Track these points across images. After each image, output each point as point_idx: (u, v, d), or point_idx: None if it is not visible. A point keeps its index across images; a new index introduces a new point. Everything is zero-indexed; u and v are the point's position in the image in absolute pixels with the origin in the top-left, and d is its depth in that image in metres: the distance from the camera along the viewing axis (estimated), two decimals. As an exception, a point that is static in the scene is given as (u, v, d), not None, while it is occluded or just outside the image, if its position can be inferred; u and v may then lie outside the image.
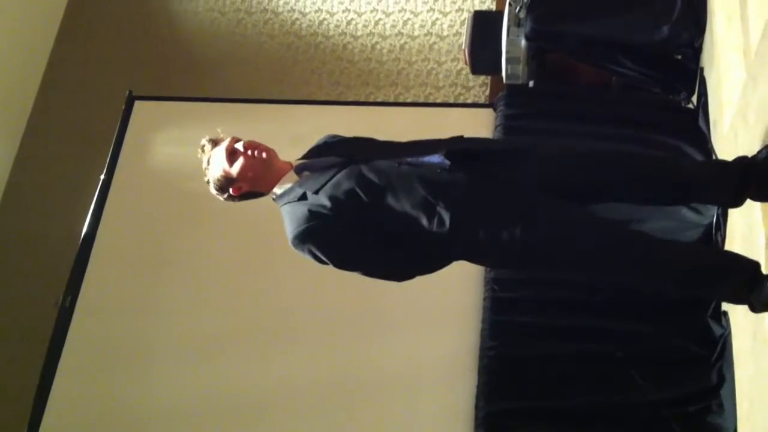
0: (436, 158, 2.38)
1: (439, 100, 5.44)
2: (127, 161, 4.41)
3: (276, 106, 4.81)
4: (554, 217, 2.30)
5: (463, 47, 4.92)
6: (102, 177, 4.33)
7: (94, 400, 3.84)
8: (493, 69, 4.69)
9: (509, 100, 4.20)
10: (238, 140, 2.50)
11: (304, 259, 2.39)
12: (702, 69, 3.98)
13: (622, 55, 4.06)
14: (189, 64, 5.91)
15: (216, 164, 2.50)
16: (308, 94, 5.59)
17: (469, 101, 5.39)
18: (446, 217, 2.25)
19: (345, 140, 2.58)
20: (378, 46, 5.71)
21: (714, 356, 3.35)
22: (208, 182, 2.55)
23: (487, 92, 5.36)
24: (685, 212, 3.61)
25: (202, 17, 6.06)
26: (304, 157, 2.56)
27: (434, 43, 5.64)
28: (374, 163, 2.38)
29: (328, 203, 2.32)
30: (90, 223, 4.21)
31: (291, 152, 4.36)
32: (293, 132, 4.39)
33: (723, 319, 3.40)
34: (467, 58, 4.79)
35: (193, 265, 4.08)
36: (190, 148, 4.46)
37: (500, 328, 3.65)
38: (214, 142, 2.54)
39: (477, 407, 3.55)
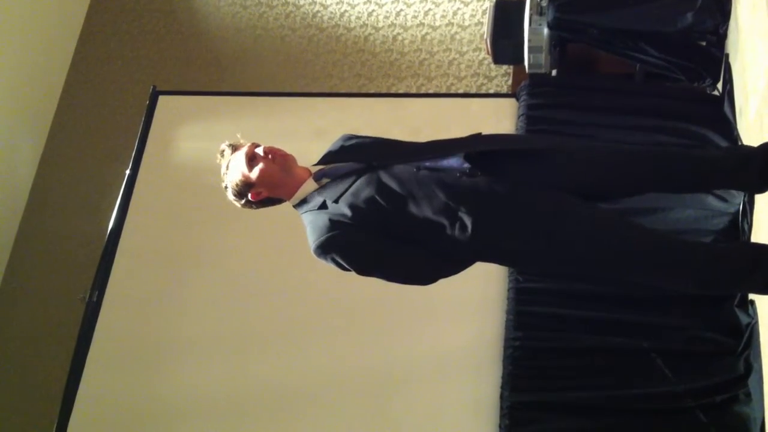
0: (454, 161, 2.37)
1: (461, 91, 5.42)
2: (151, 156, 4.44)
3: (298, 99, 4.82)
4: (574, 221, 2.29)
5: (484, 37, 4.90)
6: (127, 172, 4.37)
7: (121, 394, 3.88)
8: (516, 58, 4.66)
9: (532, 90, 4.18)
10: (258, 145, 2.47)
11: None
12: (727, 56, 3.94)
13: (646, 43, 4.02)
14: (212, 59, 5.94)
15: (235, 168, 2.47)
16: (330, 87, 5.60)
17: (492, 91, 5.36)
18: (468, 222, 2.24)
19: (362, 144, 2.54)
20: (399, 37, 5.70)
21: (741, 345, 3.33)
22: (225, 187, 2.52)
23: (510, 82, 5.33)
24: (711, 200, 3.59)
25: (224, 11, 6.08)
26: (320, 163, 2.53)
27: (456, 33, 5.62)
28: (393, 168, 2.37)
29: (348, 212, 2.31)
30: (116, 219, 4.25)
31: (314, 146, 4.38)
32: (316, 125, 4.41)
33: (750, 308, 3.38)
34: (489, 48, 4.77)
35: (218, 260, 4.10)
36: (215, 142, 4.48)
37: (525, 318, 3.65)
38: (234, 147, 2.51)
39: (502, 397, 3.55)
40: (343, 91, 5.53)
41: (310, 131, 4.39)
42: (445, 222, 2.26)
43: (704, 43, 4.07)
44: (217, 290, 4.02)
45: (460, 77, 5.48)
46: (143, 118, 4.54)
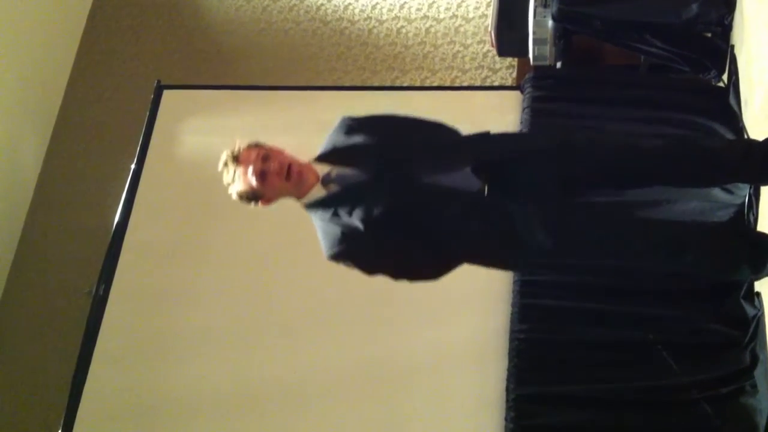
0: (463, 176, 2.38)
1: (465, 83, 5.41)
2: (156, 150, 4.45)
3: (303, 92, 4.81)
4: (579, 224, 2.40)
5: (489, 29, 4.89)
6: (132, 166, 4.38)
7: (128, 387, 3.90)
8: (520, 51, 4.65)
9: (537, 82, 4.17)
10: (265, 155, 2.38)
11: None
12: (732, 47, 3.93)
13: (651, 34, 4.01)
14: (215, 53, 5.94)
15: (244, 181, 2.39)
16: (334, 80, 5.59)
17: (496, 84, 5.35)
18: (479, 235, 2.36)
19: (367, 148, 2.47)
20: (403, 30, 5.69)
21: (747, 337, 3.33)
22: (231, 194, 2.46)
23: (514, 74, 5.32)
24: (717, 192, 3.56)
25: (228, 5, 6.08)
26: (322, 158, 2.50)
27: (460, 25, 5.60)
28: (403, 178, 2.37)
29: (360, 225, 2.33)
30: (122, 213, 4.26)
31: (318, 139, 4.38)
32: (320, 118, 4.37)
33: (756, 299, 3.37)
34: (493, 40, 4.76)
35: (224, 253, 4.11)
36: (219, 135, 4.52)
37: (530, 311, 3.65)
38: (237, 159, 2.40)
39: (507, 390, 3.55)
40: (347, 84, 5.52)
41: (314, 124, 4.35)
42: (459, 230, 2.35)
43: (709, 35, 4.06)
44: (222, 284, 4.03)
45: (465, 70, 5.47)
46: (148, 113, 4.55)
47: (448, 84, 5.43)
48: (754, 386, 3.26)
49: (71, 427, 3.81)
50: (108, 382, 3.90)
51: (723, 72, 4.02)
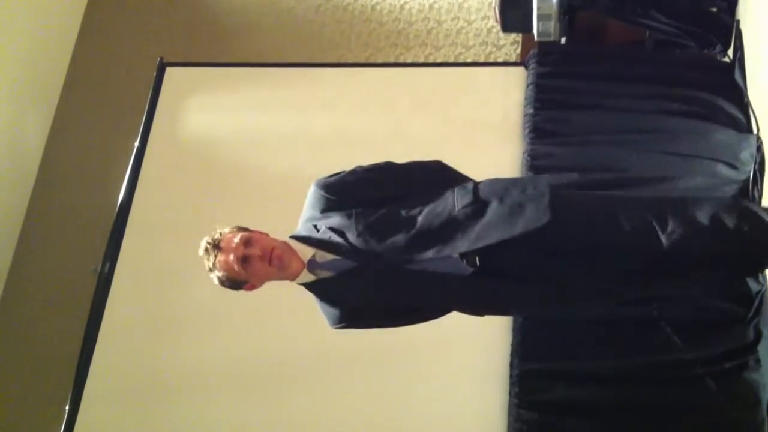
0: (453, 261, 2.29)
1: (469, 60, 5.39)
2: (160, 128, 4.44)
3: (305, 69, 4.79)
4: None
5: (493, 5, 4.86)
6: (136, 144, 4.37)
7: (135, 364, 3.91)
8: (524, 26, 4.62)
9: (541, 58, 4.16)
10: (247, 240, 2.30)
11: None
12: (738, 22, 3.91)
13: (656, 9, 4.00)
14: (218, 30, 5.91)
15: (226, 268, 2.30)
16: (337, 57, 5.57)
17: (500, 60, 5.33)
18: (469, 313, 2.59)
19: (344, 229, 2.35)
20: (407, 6, 5.66)
21: (751, 313, 3.34)
22: (212, 279, 2.37)
23: (519, 50, 5.29)
24: (721, 168, 3.57)
25: (230, -19, 6.04)
26: (302, 240, 2.41)
27: (464, 1, 5.57)
28: (390, 268, 2.31)
29: (357, 306, 2.44)
30: (126, 191, 4.25)
31: (321, 117, 4.38)
32: (323, 95, 4.40)
33: (760, 276, 3.38)
34: (498, 16, 4.73)
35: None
36: (222, 113, 4.51)
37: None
38: (217, 246, 2.31)
39: (512, 366, 3.57)
40: (350, 61, 5.50)
41: (316, 101, 4.38)
42: (457, 308, 2.55)
43: (715, 10, 4.04)
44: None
45: (468, 46, 5.44)
46: (151, 90, 4.53)
47: (451, 60, 5.41)
48: (758, 361, 3.28)
49: (78, 403, 3.84)
50: (114, 358, 3.92)
51: (728, 47, 4.00)
